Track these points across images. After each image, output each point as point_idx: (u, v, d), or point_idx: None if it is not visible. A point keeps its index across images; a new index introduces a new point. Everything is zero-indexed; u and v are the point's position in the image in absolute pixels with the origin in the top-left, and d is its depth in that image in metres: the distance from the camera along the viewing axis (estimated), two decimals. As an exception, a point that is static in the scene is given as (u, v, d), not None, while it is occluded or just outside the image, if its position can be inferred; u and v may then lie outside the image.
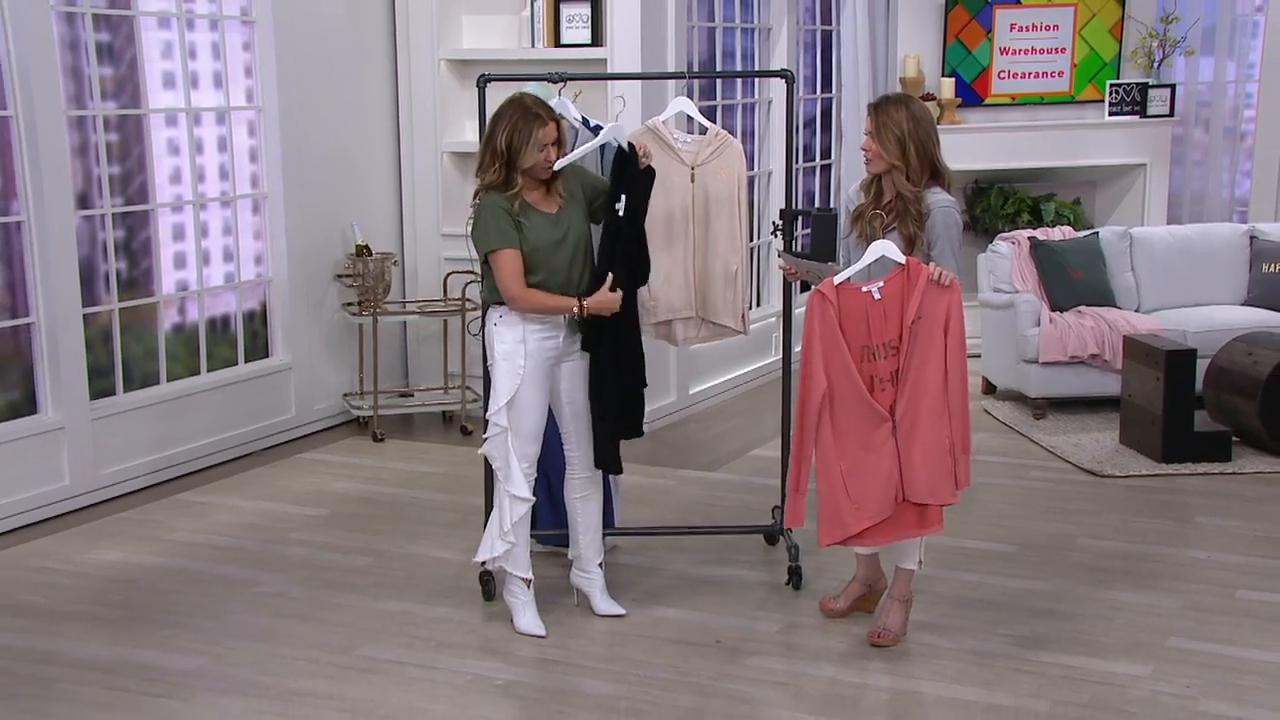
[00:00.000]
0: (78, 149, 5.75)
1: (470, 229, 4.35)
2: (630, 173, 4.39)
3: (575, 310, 4.31)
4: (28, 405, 5.66)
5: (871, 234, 4.24)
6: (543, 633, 4.42)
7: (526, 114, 4.24)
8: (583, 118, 4.87)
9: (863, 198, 4.39)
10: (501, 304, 4.36)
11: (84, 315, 5.73)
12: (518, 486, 4.40)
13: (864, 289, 4.12)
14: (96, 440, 5.78)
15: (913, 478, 4.13)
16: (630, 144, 4.48)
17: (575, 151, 4.48)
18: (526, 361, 4.34)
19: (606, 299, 4.33)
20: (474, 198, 4.37)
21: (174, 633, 4.45)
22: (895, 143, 4.18)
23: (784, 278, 4.74)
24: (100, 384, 5.89)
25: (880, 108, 4.26)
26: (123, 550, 5.24)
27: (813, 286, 4.36)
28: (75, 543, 5.33)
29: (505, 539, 4.43)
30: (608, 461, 4.56)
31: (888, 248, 4.13)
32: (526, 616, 4.46)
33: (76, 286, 5.67)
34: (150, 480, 6.03)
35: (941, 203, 4.23)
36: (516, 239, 4.25)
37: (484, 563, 4.56)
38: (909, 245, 4.19)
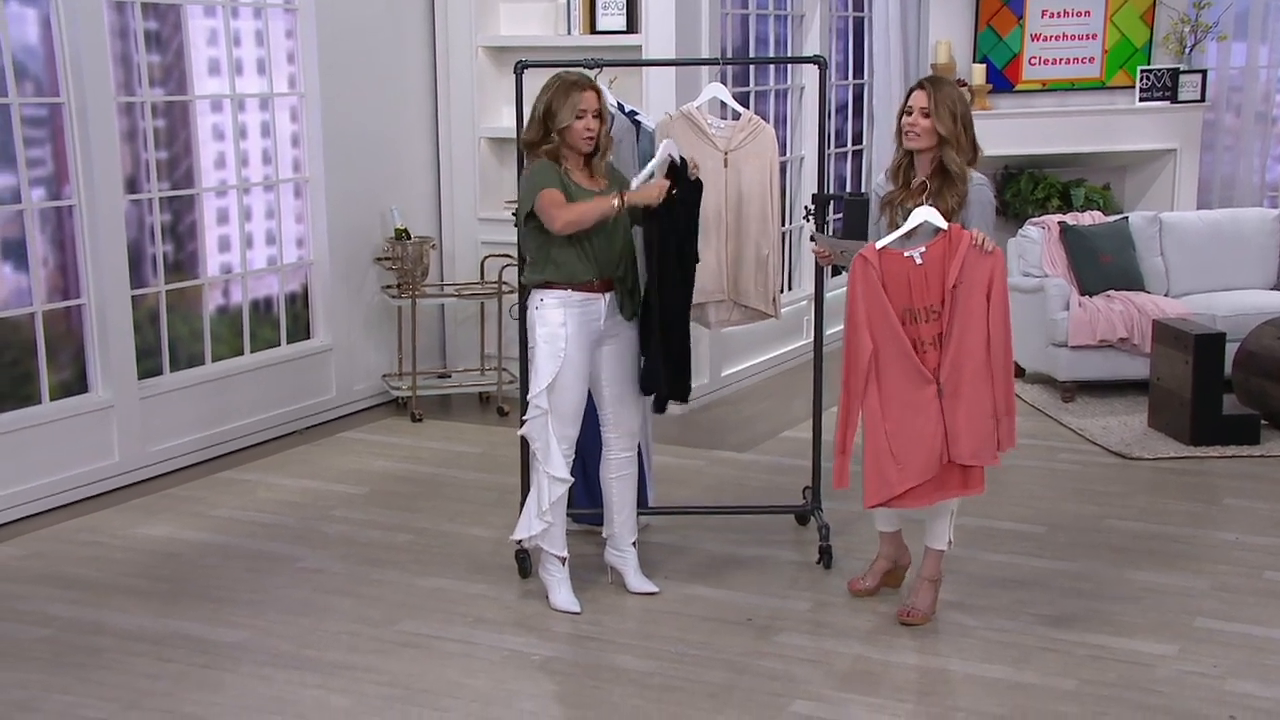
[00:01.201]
0: (126, 135, 5.84)
1: (522, 179, 4.44)
2: (681, 190, 4.44)
3: (616, 205, 4.33)
4: (79, 384, 5.76)
5: (903, 220, 4.28)
6: (578, 609, 4.49)
7: (566, 81, 4.38)
8: (618, 103, 4.93)
9: (891, 184, 4.44)
10: (544, 286, 4.42)
11: (132, 297, 5.82)
12: (557, 467, 4.45)
13: (906, 253, 4.17)
14: (144, 418, 5.88)
15: (957, 439, 4.18)
16: (683, 156, 4.51)
17: (644, 170, 4.57)
18: (568, 344, 4.40)
19: (646, 190, 4.37)
20: (519, 172, 4.47)
21: (218, 606, 4.54)
22: (951, 117, 4.26)
23: (816, 261, 4.80)
24: (148, 364, 5.98)
25: (937, 84, 4.34)
26: (169, 526, 5.34)
27: (846, 268, 4.43)
28: (123, 518, 5.43)
29: (543, 518, 4.48)
30: (683, 390, 4.64)
31: (930, 214, 4.18)
32: (562, 593, 4.53)
33: (125, 269, 5.76)
34: (195, 458, 6.13)
35: (977, 181, 4.32)
36: (561, 187, 4.34)
37: (520, 541, 4.63)
38: (948, 218, 4.24)
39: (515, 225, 4.72)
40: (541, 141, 4.38)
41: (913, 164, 4.37)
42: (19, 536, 5.22)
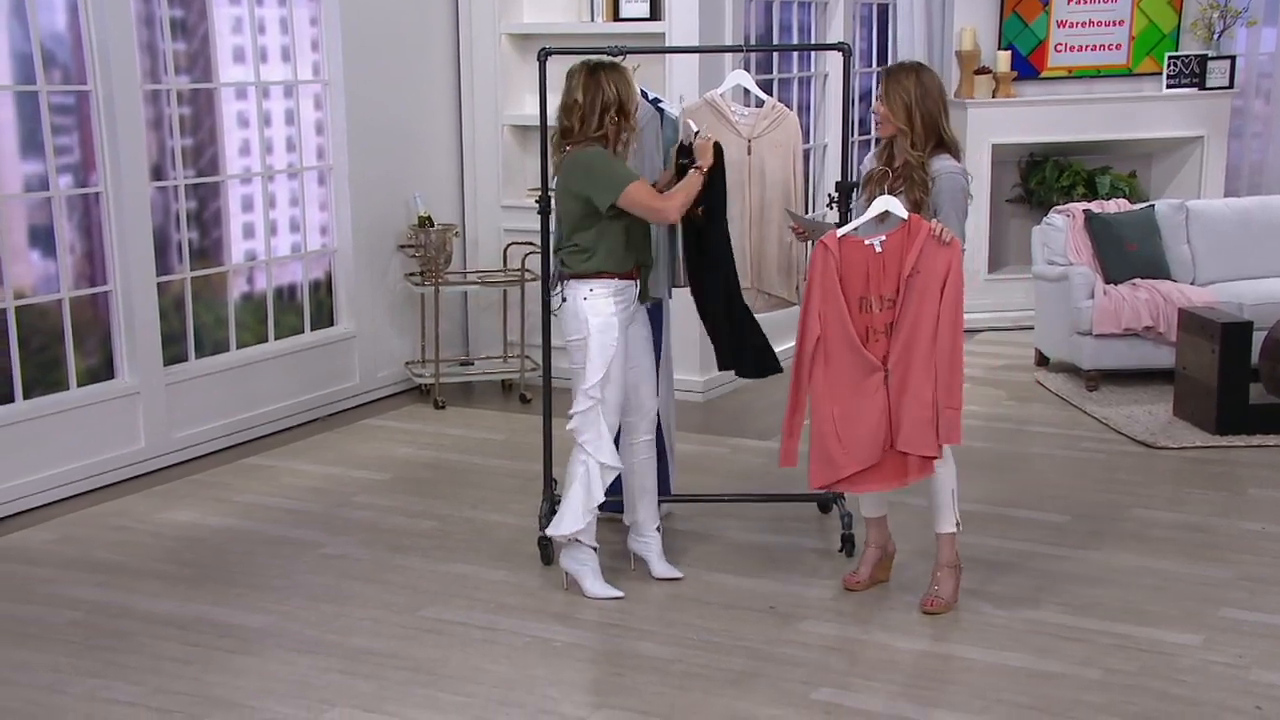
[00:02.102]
0: (152, 122, 5.87)
1: (584, 181, 4.33)
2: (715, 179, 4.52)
3: (702, 178, 4.43)
4: (105, 370, 5.80)
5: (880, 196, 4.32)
6: (620, 593, 4.50)
7: (619, 67, 4.40)
8: (642, 90, 4.93)
9: (876, 163, 4.46)
10: (594, 275, 4.39)
11: (158, 284, 5.86)
12: (611, 456, 4.45)
13: (866, 241, 4.20)
14: (170, 405, 5.92)
15: (900, 427, 4.21)
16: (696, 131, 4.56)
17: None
18: (619, 333, 4.41)
19: (704, 150, 4.46)
20: (556, 153, 4.39)
21: (243, 591, 4.57)
22: (902, 108, 4.26)
23: (796, 237, 4.83)
24: (173, 350, 6.02)
25: (891, 74, 4.35)
26: (194, 511, 5.37)
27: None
28: (149, 503, 5.48)
29: (591, 512, 4.47)
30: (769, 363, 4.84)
31: (891, 203, 4.21)
32: (598, 583, 4.53)
33: (151, 256, 5.80)
34: (220, 444, 6.17)
35: (948, 169, 4.29)
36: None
37: (566, 536, 4.53)
38: (915, 210, 4.25)
39: (540, 212, 4.72)
40: (617, 137, 4.37)
41: (893, 146, 4.38)
42: (48, 521, 5.27)
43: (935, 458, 4.24)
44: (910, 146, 4.27)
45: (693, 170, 4.44)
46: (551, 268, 4.67)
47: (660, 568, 4.70)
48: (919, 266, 4.14)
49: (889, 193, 4.29)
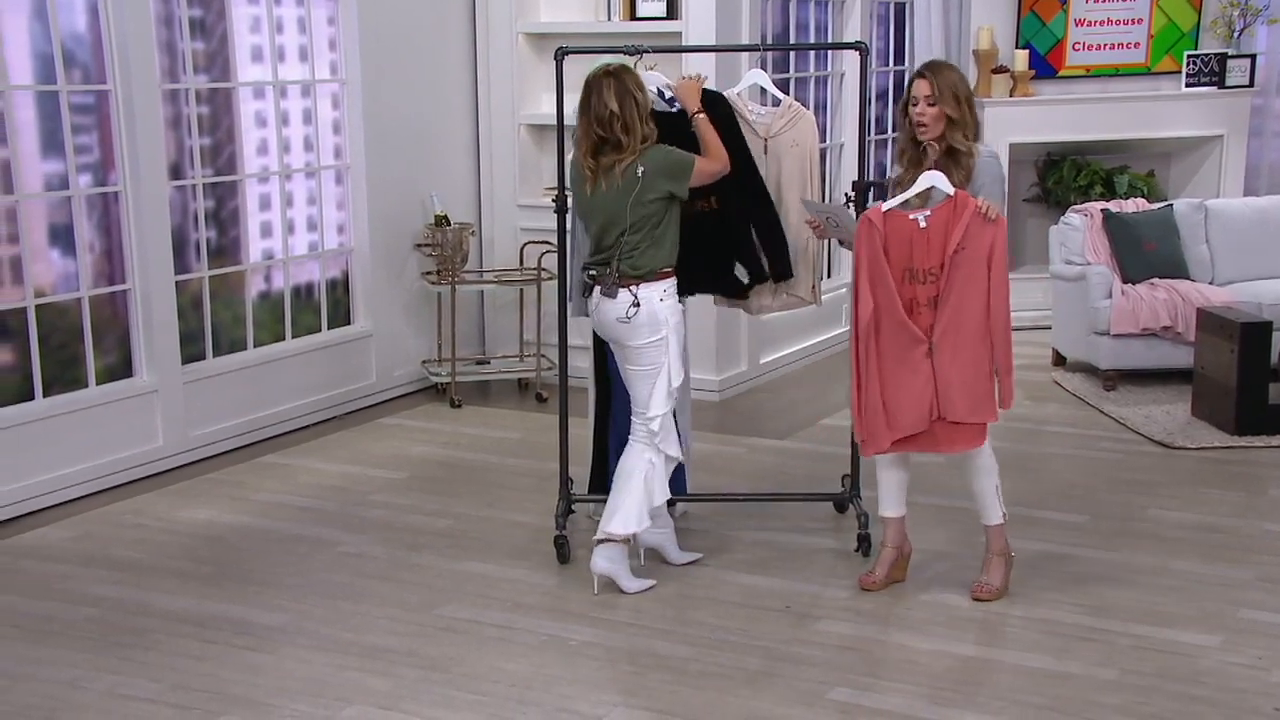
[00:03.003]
0: (171, 121, 5.90)
1: (665, 179, 4.41)
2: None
3: (703, 119, 4.59)
4: (124, 369, 5.83)
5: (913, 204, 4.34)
6: (653, 582, 4.57)
7: (631, 70, 4.48)
8: (659, 89, 4.93)
9: (899, 167, 4.48)
10: (660, 275, 4.46)
11: (176, 282, 5.89)
12: (678, 448, 4.59)
13: (911, 216, 4.27)
14: (187, 403, 5.95)
15: (950, 398, 4.30)
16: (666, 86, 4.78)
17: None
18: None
19: (691, 90, 4.65)
20: (635, 164, 4.40)
21: (260, 589, 4.59)
22: (955, 100, 4.32)
23: (813, 233, 4.83)
24: (191, 349, 6.05)
25: (936, 69, 4.40)
26: (211, 509, 5.40)
27: (837, 241, 4.68)
28: (167, 501, 5.50)
29: (650, 510, 4.52)
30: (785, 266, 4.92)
31: (937, 178, 4.27)
32: (633, 578, 4.56)
33: (169, 255, 5.82)
34: (237, 442, 6.19)
35: (986, 154, 4.39)
36: None
37: (630, 536, 4.54)
38: None
39: (558, 211, 4.69)
40: (644, 139, 4.44)
41: (917, 146, 4.41)
42: (66, 519, 5.30)
43: (991, 421, 4.35)
44: (963, 136, 4.33)
45: (696, 119, 4.56)
46: (580, 276, 4.69)
47: (677, 555, 4.77)
48: (964, 242, 4.23)
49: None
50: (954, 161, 4.33)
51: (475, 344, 7.56)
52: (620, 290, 4.46)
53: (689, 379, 5.20)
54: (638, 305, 4.44)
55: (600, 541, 4.52)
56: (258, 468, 5.96)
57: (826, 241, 5.04)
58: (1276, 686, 3.89)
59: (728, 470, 5.88)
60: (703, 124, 4.56)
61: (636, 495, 4.49)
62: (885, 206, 4.31)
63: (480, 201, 7.47)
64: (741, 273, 4.93)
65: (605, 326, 4.58)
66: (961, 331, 4.28)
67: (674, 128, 4.61)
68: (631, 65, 4.76)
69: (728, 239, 4.86)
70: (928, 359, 4.30)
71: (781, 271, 4.93)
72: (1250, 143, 8.72)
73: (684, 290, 4.78)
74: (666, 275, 4.50)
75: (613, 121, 4.37)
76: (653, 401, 4.50)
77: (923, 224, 4.25)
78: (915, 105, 4.34)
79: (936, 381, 4.30)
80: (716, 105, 4.76)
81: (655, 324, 4.46)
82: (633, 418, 4.60)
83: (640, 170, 4.39)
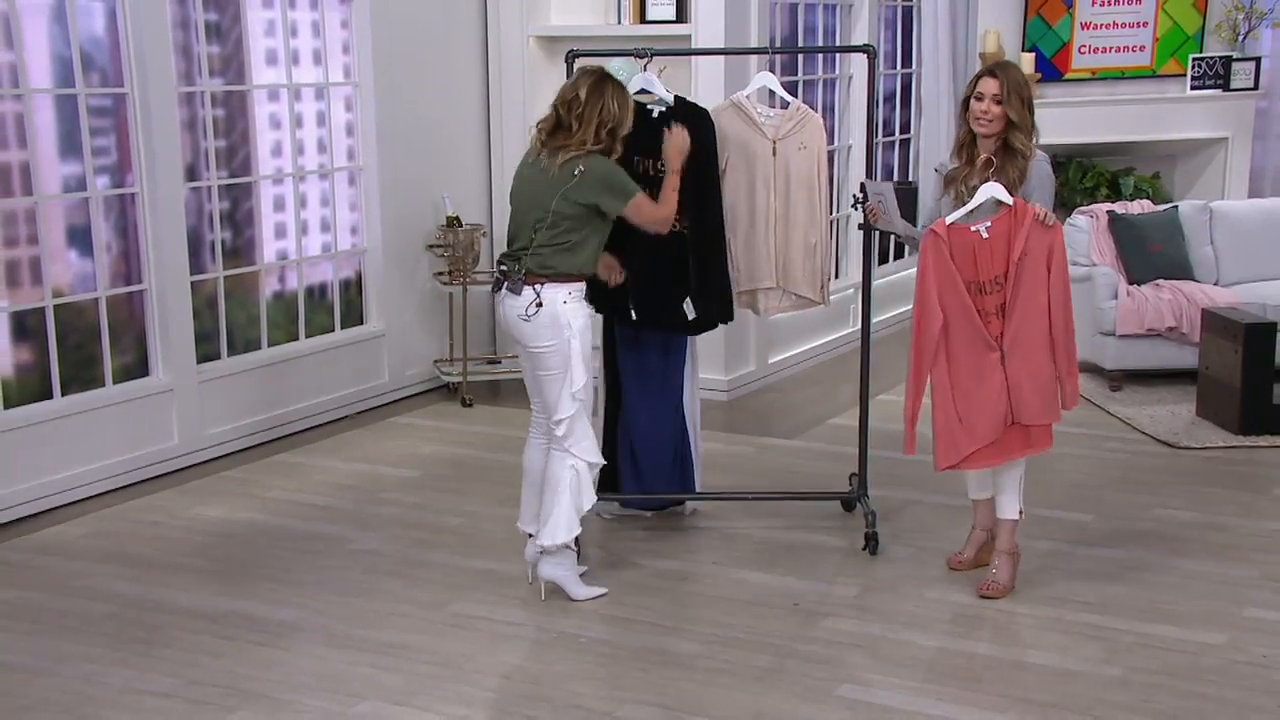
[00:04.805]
0: (187, 124, 5.94)
1: (596, 190, 4.30)
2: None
3: (677, 181, 4.51)
4: (140, 368, 5.87)
5: (968, 195, 4.39)
6: (604, 590, 4.52)
7: (622, 86, 4.40)
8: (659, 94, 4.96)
9: (955, 161, 4.52)
10: (569, 279, 4.34)
11: (191, 283, 5.93)
12: (598, 455, 4.46)
13: (973, 228, 4.33)
14: (202, 402, 5.99)
15: (1022, 401, 4.36)
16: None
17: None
18: (592, 335, 4.42)
19: (678, 145, 4.54)
20: (578, 161, 4.30)
21: (273, 586, 4.62)
22: (1020, 102, 4.38)
23: (864, 217, 4.84)
24: (206, 348, 6.09)
25: (1006, 70, 4.44)
26: (226, 507, 5.44)
27: (912, 240, 4.70)
28: (182, 499, 5.55)
29: (581, 515, 4.45)
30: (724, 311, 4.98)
31: (997, 190, 4.33)
32: (582, 585, 4.51)
33: (185, 255, 5.87)
34: (252, 441, 6.23)
35: (1039, 157, 4.44)
36: None
37: (560, 544, 4.46)
38: (1009, 190, 4.34)
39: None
40: (606, 153, 4.37)
41: (975, 141, 4.46)
42: (83, 516, 5.35)
43: (1056, 422, 4.43)
44: (1024, 136, 4.38)
45: (669, 177, 4.50)
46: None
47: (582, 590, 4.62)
48: (1026, 249, 4.30)
49: (982, 179, 4.38)
50: (1010, 161, 4.38)
51: (486, 344, 7.59)
52: (525, 288, 4.35)
53: (697, 379, 5.26)
54: (540, 304, 4.32)
55: (541, 551, 4.47)
56: (272, 466, 6.00)
57: (835, 242, 5.08)
58: (1281, 684, 3.91)
59: (736, 469, 5.91)
60: (671, 184, 4.48)
61: (564, 504, 4.40)
62: (950, 219, 4.35)
63: (492, 203, 7.51)
64: (689, 307, 4.92)
65: (508, 324, 4.43)
66: (1030, 336, 4.35)
67: (654, 131, 4.65)
68: (640, 68, 4.81)
69: (685, 265, 4.86)
70: (1000, 366, 4.36)
71: (720, 313, 4.97)
72: (1255, 145, 8.75)
73: (625, 318, 4.78)
74: (574, 280, 4.37)
75: (573, 105, 4.32)
76: (559, 406, 4.39)
77: (985, 234, 4.32)
78: (980, 101, 4.38)
79: (1009, 387, 4.36)
80: (705, 133, 4.77)
81: (557, 326, 4.32)
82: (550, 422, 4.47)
83: (579, 169, 4.29)
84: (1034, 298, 4.34)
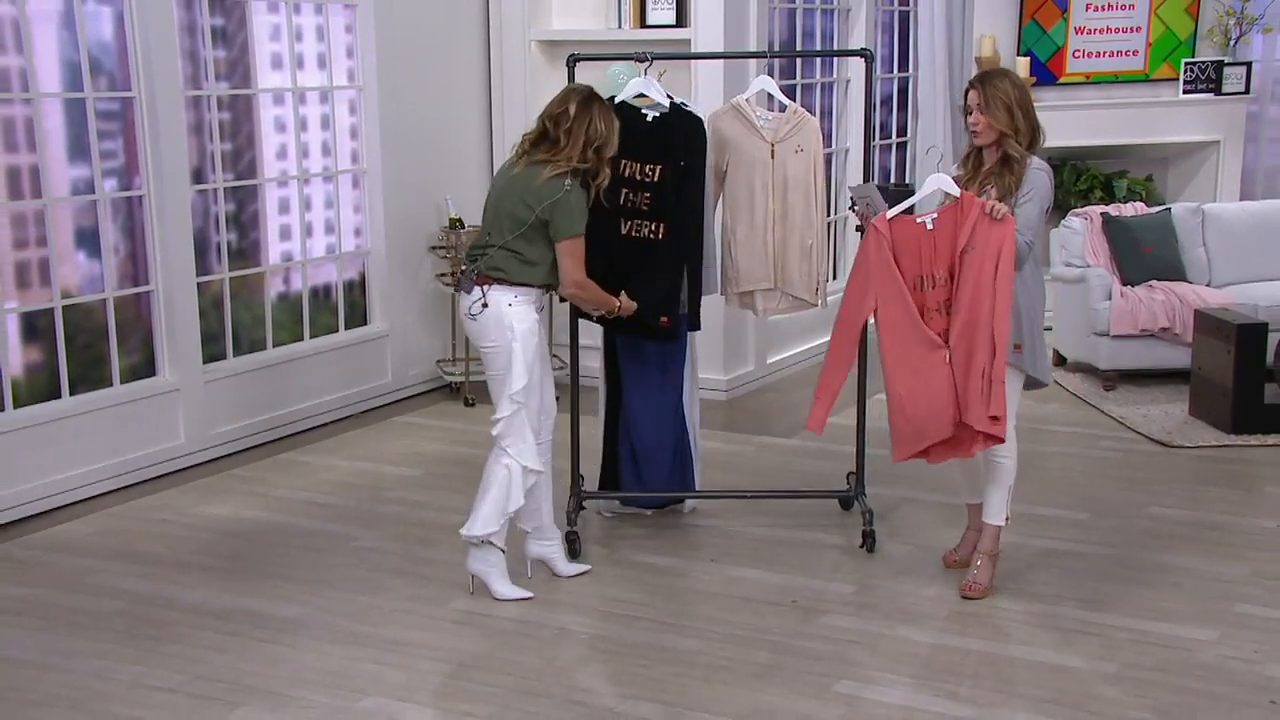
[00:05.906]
0: (193, 127, 5.97)
1: (555, 207, 4.29)
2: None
3: (616, 309, 4.58)
4: (147, 368, 5.91)
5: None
6: (529, 594, 4.49)
7: (606, 106, 4.41)
8: (669, 96, 5.01)
9: (961, 170, 4.55)
10: (524, 285, 4.37)
11: (197, 284, 5.96)
12: (535, 460, 4.44)
13: (918, 219, 4.27)
14: (208, 401, 6.02)
15: (969, 402, 4.25)
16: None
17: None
18: (539, 340, 4.42)
19: (630, 305, 4.65)
20: (564, 179, 4.32)
21: (279, 583, 4.65)
22: (1004, 110, 4.37)
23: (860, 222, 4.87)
24: (212, 349, 6.12)
25: (985, 80, 4.44)
26: (232, 505, 5.47)
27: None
28: (189, 497, 5.58)
29: (506, 515, 4.44)
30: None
31: (943, 180, 4.31)
32: (508, 584, 4.51)
33: (191, 257, 5.90)
34: (257, 440, 6.26)
35: (1035, 166, 4.42)
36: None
37: (481, 538, 4.47)
38: (1003, 198, 4.35)
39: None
40: (594, 174, 4.38)
41: (980, 152, 4.49)
42: (91, 514, 5.38)
43: (990, 433, 4.27)
44: (1017, 144, 4.39)
45: (619, 301, 4.62)
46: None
47: (566, 566, 4.72)
48: (973, 243, 4.19)
49: (983, 187, 4.39)
50: (1007, 167, 4.39)
51: (487, 344, 7.63)
52: (475, 287, 4.39)
53: (696, 378, 5.30)
54: (485, 305, 4.35)
55: (471, 545, 4.50)
56: (277, 465, 6.02)
57: (831, 244, 5.13)
58: (1273, 680, 3.92)
59: (735, 468, 5.94)
60: (601, 298, 4.55)
61: (491, 499, 4.41)
62: (891, 212, 4.30)
63: (492, 205, 7.55)
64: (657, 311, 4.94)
65: (464, 321, 4.52)
66: (975, 334, 4.23)
67: (647, 136, 4.70)
68: (641, 72, 4.86)
69: (657, 270, 4.86)
70: (946, 364, 4.27)
71: (691, 321, 5.02)
72: (1246, 148, 8.79)
73: (604, 320, 4.80)
74: (525, 287, 4.38)
75: (560, 120, 4.33)
76: (497, 406, 4.41)
77: (929, 226, 4.25)
78: (969, 114, 4.43)
79: (956, 386, 4.28)
80: (696, 142, 4.83)
81: (500, 329, 4.34)
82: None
83: (544, 177, 4.31)
84: (980, 295, 4.19)
